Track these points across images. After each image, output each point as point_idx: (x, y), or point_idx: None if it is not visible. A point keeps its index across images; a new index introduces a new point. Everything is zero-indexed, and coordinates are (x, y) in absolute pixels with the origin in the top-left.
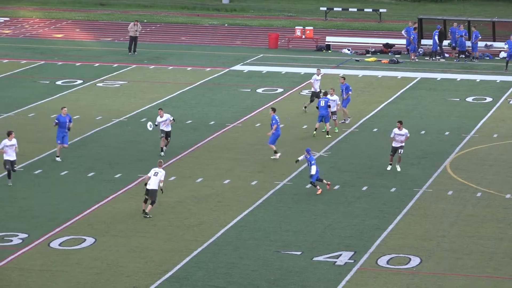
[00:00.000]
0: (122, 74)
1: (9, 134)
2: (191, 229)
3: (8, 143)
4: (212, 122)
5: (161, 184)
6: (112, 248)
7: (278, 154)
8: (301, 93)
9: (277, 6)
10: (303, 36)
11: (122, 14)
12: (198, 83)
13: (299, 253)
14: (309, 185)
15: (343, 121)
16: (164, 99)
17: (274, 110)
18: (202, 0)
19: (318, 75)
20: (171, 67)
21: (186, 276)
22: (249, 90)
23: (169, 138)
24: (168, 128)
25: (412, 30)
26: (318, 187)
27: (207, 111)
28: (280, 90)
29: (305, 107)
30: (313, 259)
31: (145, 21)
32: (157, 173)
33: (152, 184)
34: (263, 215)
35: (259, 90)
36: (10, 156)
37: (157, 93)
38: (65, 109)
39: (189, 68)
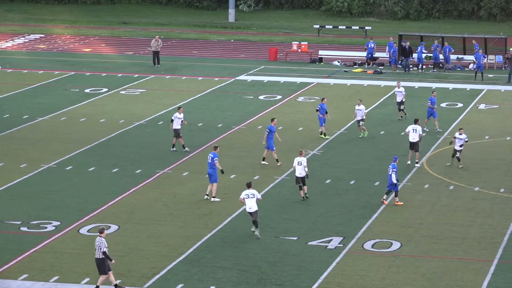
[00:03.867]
0: (142, 83)
1: None
2: (201, 218)
3: None
4: (220, 125)
5: (306, 169)
6: (133, 234)
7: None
8: (297, 99)
9: (276, 24)
10: (299, 50)
11: (142, 31)
12: (207, 91)
13: (295, 238)
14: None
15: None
16: (178, 104)
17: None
18: (211, 19)
19: (398, 88)
20: (184, 77)
21: (197, 258)
22: (252, 97)
23: (181, 135)
24: (179, 127)
25: (393, 45)
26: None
27: (216, 115)
28: (279, 97)
29: (405, 114)
30: (308, 243)
31: (162, 37)
32: (301, 162)
33: (302, 173)
34: (264, 205)
35: (261, 97)
36: None
37: (172, 99)
38: None
39: (200, 78)
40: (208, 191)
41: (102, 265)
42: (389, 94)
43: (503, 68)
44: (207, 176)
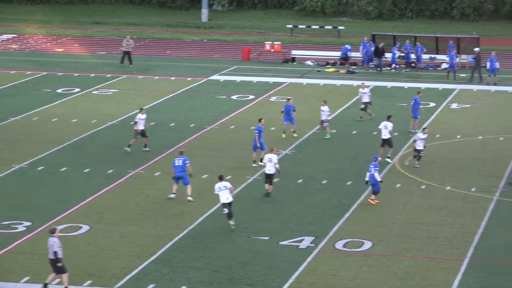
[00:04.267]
0: (115, 83)
1: None
2: (173, 218)
3: None
4: (193, 125)
5: (277, 166)
6: (105, 234)
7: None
8: (270, 99)
9: (249, 24)
10: (272, 50)
11: (115, 31)
12: (180, 91)
13: (267, 238)
14: (276, 179)
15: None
16: (151, 104)
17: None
18: (184, 19)
19: (362, 89)
20: (157, 77)
21: (169, 258)
22: (225, 97)
23: (147, 135)
24: (143, 127)
25: (366, 44)
26: None
27: (188, 115)
28: (252, 97)
29: (369, 114)
30: (279, 243)
31: (135, 37)
32: (271, 159)
33: (271, 169)
34: (236, 205)
35: (234, 97)
36: None
37: (145, 99)
38: None
39: (172, 78)
40: (174, 190)
41: (56, 265)
42: None
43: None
44: (173, 178)
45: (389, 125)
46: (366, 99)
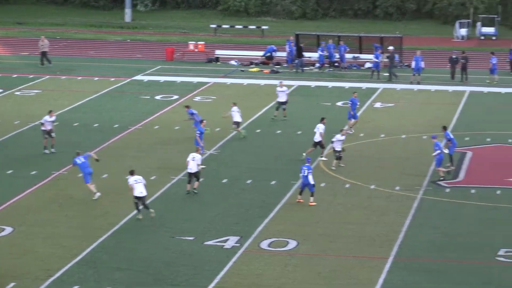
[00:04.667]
0: (37, 84)
1: None
2: (97, 219)
3: None
4: (116, 125)
5: (200, 167)
6: (29, 236)
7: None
8: (194, 99)
9: (173, 24)
10: (196, 50)
11: (37, 31)
12: (104, 91)
13: (192, 238)
14: (201, 179)
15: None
16: (74, 105)
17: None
18: (107, 19)
19: (280, 87)
20: (80, 78)
21: (93, 259)
22: (149, 97)
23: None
24: (50, 127)
25: (290, 44)
26: None
27: (112, 115)
28: (175, 97)
29: (284, 116)
30: (204, 243)
31: (58, 37)
32: (195, 157)
33: (193, 168)
34: (160, 205)
35: (157, 97)
36: None
37: (68, 100)
38: None
39: (96, 78)
40: (95, 189)
41: None
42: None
43: (399, 67)
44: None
45: (321, 127)
46: (283, 98)
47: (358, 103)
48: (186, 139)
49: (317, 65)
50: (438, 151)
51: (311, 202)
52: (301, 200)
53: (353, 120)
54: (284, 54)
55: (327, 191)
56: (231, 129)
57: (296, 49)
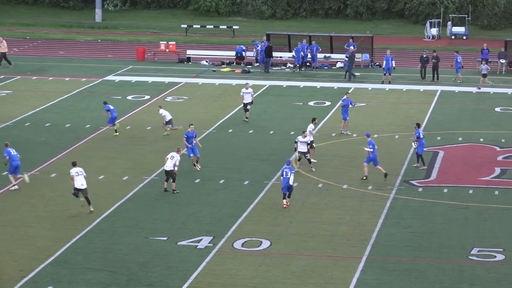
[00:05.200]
0: (8, 84)
1: None
2: (70, 219)
3: None
4: (88, 125)
5: (176, 169)
6: (2, 236)
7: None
8: (165, 99)
9: (143, 24)
10: (167, 50)
11: (7, 31)
12: (75, 91)
13: (165, 238)
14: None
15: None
16: (46, 105)
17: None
18: (78, 19)
19: (246, 89)
20: (51, 78)
21: (66, 260)
22: (120, 97)
23: None
24: None
25: (260, 44)
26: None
27: (84, 116)
28: (147, 97)
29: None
30: (178, 243)
31: (28, 37)
32: (173, 156)
33: (169, 166)
34: (133, 206)
35: (129, 97)
36: None
37: (39, 100)
38: None
39: (67, 79)
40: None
41: None
42: (258, 92)
43: (370, 67)
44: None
45: (310, 127)
46: (248, 99)
47: (352, 104)
48: (158, 139)
49: (290, 65)
50: (371, 150)
51: (286, 203)
52: (288, 203)
53: (346, 122)
54: (251, 54)
55: (300, 191)
56: (203, 129)
57: (265, 49)
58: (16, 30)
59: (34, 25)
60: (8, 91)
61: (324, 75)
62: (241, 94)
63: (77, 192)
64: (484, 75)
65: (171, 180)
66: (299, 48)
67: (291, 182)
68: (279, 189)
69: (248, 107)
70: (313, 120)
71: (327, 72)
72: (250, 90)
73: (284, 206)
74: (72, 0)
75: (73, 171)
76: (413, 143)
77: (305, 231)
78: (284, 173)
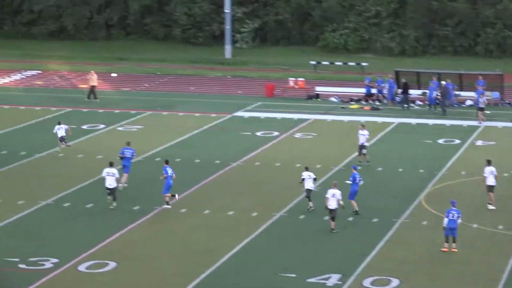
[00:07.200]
0: (140, 120)
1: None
2: (200, 254)
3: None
4: (218, 161)
5: (341, 202)
6: (132, 271)
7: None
8: (294, 136)
9: (273, 60)
10: (296, 86)
11: (138, 67)
12: (205, 127)
13: (294, 275)
14: (302, 216)
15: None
16: (176, 141)
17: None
18: (208, 55)
19: (362, 130)
20: (181, 113)
21: None
22: (249, 133)
23: None
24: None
25: (384, 81)
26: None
27: (213, 151)
28: (276, 133)
29: (360, 161)
30: (306, 280)
31: (158, 73)
32: (334, 194)
33: (333, 205)
34: (263, 242)
35: (258, 134)
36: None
37: (170, 136)
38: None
39: (197, 114)
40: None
41: None
42: (387, 130)
43: (500, 105)
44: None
45: (490, 169)
46: (363, 140)
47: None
48: (287, 175)
49: (419, 102)
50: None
51: (454, 248)
52: (446, 249)
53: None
54: (384, 91)
55: (429, 229)
56: (331, 166)
57: (399, 85)
58: (147, 65)
59: (164, 60)
60: (139, 126)
61: (453, 113)
62: (358, 135)
63: (109, 191)
64: None
65: (331, 219)
66: (432, 86)
67: (457, 225)
68: (408, 227)
69: (364, 151)
70: (489, 162)
71: (456, 110)
72: (365, 132)
73: (444, 250)
74: (202, 36)
75: (105, 171)
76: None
77: (434, 270)
78: (451, 214)
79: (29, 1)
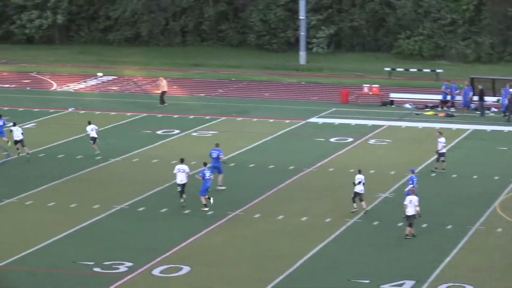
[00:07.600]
0: (214, 125)
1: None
2: (272, 260)
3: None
4: (291, 167)
5: (418, 209)
6: (206, 275)
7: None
8: (368, 142)
9: (347, 67)
10: (370, 93)
11: (213, 73)
12: (279, 133)
13: (367, 281)
14: (376, 222)
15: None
16: (250, 146)
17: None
18: (282, 61)
19: (438, 137)
20: (255, 119)
21: None
22: (323, 139)
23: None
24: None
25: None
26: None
27: (287, 157)
28: (350, 139)
29: (436, 168)
30: (380, 286)
31: (233, 79)
32: (411, 201)
33: (410, 211)
34: (336, 248)
35: (332, 140)
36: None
37: (244, 141)
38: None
39: (271, 120)
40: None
41: None
42: (462, 136)
43: None
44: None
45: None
46: (439, 148)
47: None
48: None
49: (494, 109)
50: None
51: None
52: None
53: None
54: (459, 97)
55: (503, 236)
56: (405, 173)
57: (475, 92)
58: (221, 71)
59: (239, 67)
60: (213, 132)
61: None
62: (438, 143)
63: (179, 187)
64: None
65: (408, 225)
66: (504, 94)
67: None
68: (482, 234)
69: (442, 158)
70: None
71: None
72: (442, 139)
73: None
74: (276, 43)
75: (176, 168)
76: None
77: (508, 278)
78: None
79: (106, 8)
